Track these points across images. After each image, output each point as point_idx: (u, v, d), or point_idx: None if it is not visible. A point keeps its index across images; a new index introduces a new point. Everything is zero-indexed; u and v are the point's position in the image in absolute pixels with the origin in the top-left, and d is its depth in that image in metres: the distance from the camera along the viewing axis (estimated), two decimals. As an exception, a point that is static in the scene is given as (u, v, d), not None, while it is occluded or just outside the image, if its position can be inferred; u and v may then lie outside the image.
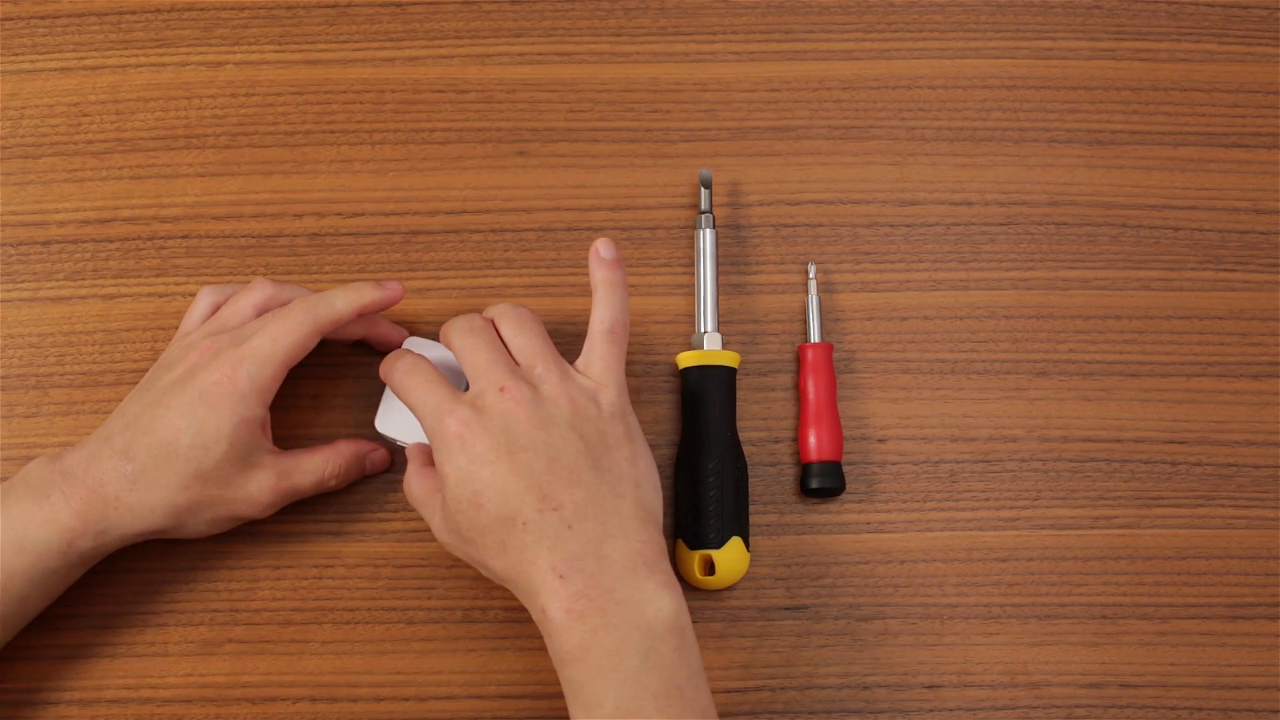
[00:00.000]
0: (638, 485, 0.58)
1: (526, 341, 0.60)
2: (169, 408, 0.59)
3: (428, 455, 0.63)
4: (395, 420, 0.65)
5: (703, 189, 0.68)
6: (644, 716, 0.54)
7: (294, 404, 0.66)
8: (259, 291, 0.63)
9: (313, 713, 0.64)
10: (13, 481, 0.60)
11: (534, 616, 0.57)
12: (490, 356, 0.59)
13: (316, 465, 0.63)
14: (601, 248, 0.62)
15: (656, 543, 0.57)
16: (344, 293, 0.62)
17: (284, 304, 0.63)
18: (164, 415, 0.59)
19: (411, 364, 0.60)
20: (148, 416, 0.60)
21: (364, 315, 0.63)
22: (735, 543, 0.64)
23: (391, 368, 0.61)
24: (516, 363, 0.59)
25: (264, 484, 0.61)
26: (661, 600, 0.55)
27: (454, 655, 0.65)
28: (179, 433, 0.59)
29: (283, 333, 0.60)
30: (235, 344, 0.60)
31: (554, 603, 0.55)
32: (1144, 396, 0.69)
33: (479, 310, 0.64)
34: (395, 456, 0.66)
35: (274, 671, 0.65)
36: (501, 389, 0.57)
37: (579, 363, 0.60)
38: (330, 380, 0.67)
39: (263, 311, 0.63)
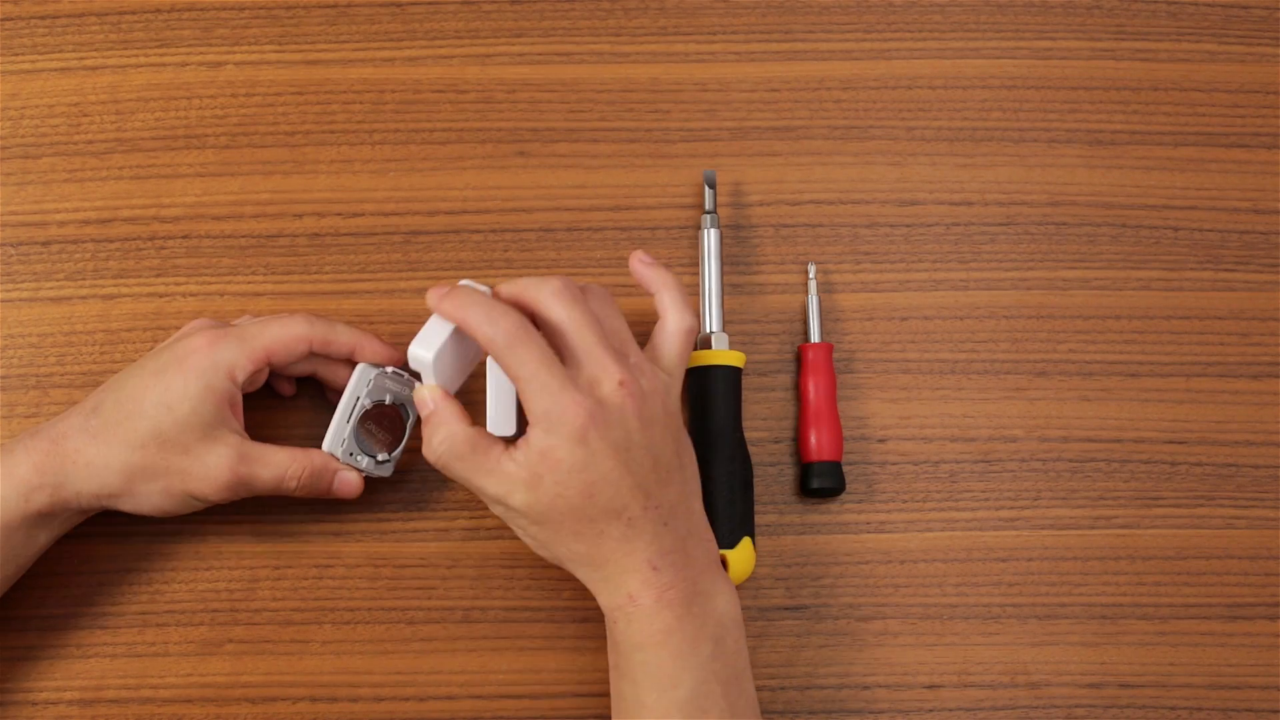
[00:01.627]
0: (699, 482, 0.61)
1: (618, 326, 0.60)
2: (144, 369, 0.60)
3: (458, 407, 0.60)
4: (436, 358, 0.60)
5: (707, 189, 0.68)
6: (712, 699, 0.57)
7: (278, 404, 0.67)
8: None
9: (313, 713, 0.64)
10: None
11: (608, 601, 0.59)
12: (600, 339, 0.58)
13: (281, 461, 0.61)
14: (643, 256, 0.63)
15: (715, 548, 0.61)
16: (349, 330, 0.63)
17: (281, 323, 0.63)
18: (137, 375, 0.60)
19: (524, 332, 0.57)
20: (122, 377, 0.61)
21: (356, 357, 0.63)
22: (745, 543, 0.64)
23: (497, 327, 0.57)
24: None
25: (222, 461, 0.60)
26: (729, 594, 0.59)
27: (454, 655, 0.65)
28: (146, 390, 0.59)
29: (275, 325, 0.61)
30: (231, 331, 0.61)
31: (646, 591, 0.57)
32: (1144, 396, 0.69)
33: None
34: (366, 483, 0.65)
35: (274, 671, 0.65)
36: (620, 383, 0.57)
37: (652, 350, 0.61)
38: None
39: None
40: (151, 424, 0.59)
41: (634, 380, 0.57)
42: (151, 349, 0.65)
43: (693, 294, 0.69)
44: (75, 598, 0.64)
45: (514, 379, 0.57)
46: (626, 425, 0.57)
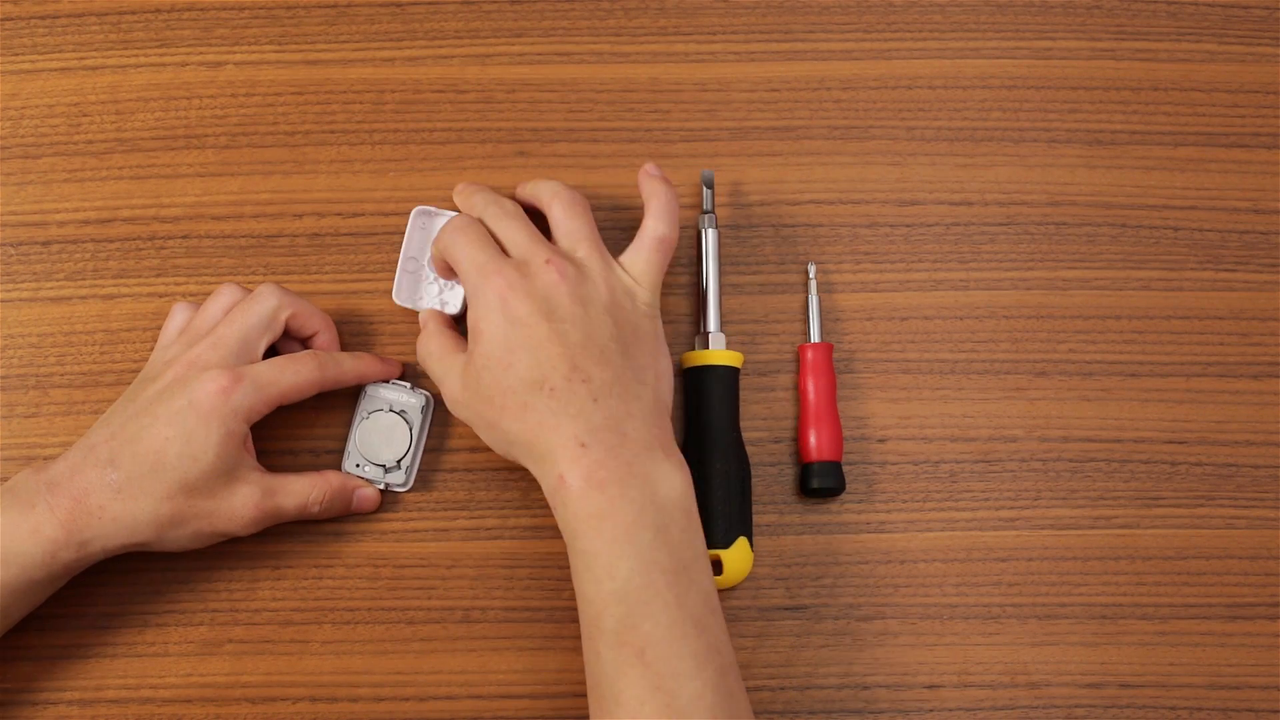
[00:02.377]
0: (658, 378, 0.61)
1: (576, 225, 0.63)
2: (156, 417, 0.59)
3: (444, 319, 0.65)
4: (408, 290, 0.67)
5: (705, 189, 0.68)
6: (654, 590, 0.55)
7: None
8: (226, 296, 0.65)
9: (313, 713, 0.64)
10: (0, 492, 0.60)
11: (546, 486, 0.58)
12: (531, 234, 0.62)
13: (302, 489, 0.63)
14: (651, 168, 0.64)
15: (669, 430, 0.60)
16: (353, 359, 0.65)
17: (250, 297, 0.63)
18: (150, 425, 0.59)
19: (464, 223, 0.63)
20: (134, 426, 0.60)
21: (362, 382, 0.66)
22: (741, 542, 0.64)
23: (451, 224, 0.63)
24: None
25: (248, 499, 0.61)
26: (674, 478, 0.57)
27: (454, 655, 0.65)
28: (166, 441, 0.59)
29: (289, 371, 0.62)
30: (222, 355, 0.61)
31: (574, 470, 0.56)
32: (1144, 396, 0.69)
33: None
34: (384, 495, 0.66)
35: (274, 671, 0.65)
36: (547, 261, 0.60)
37: (622, 258, 0.63)
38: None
39: (229, 311, 0.64)
40: (178, 475, 0.59)
41: (564, 261, 0.60)
42: (141, 372, 0.64)
43: (691, 294, 0.69)
44: (75, 598, 0.64)
45: (453, 264, 0.62)
46: (551, 298, 0.59)
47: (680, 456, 0.59)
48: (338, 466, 0.66)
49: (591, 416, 0.57)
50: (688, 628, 0.55)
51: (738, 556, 0.64)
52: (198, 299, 0.68)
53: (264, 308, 0.63)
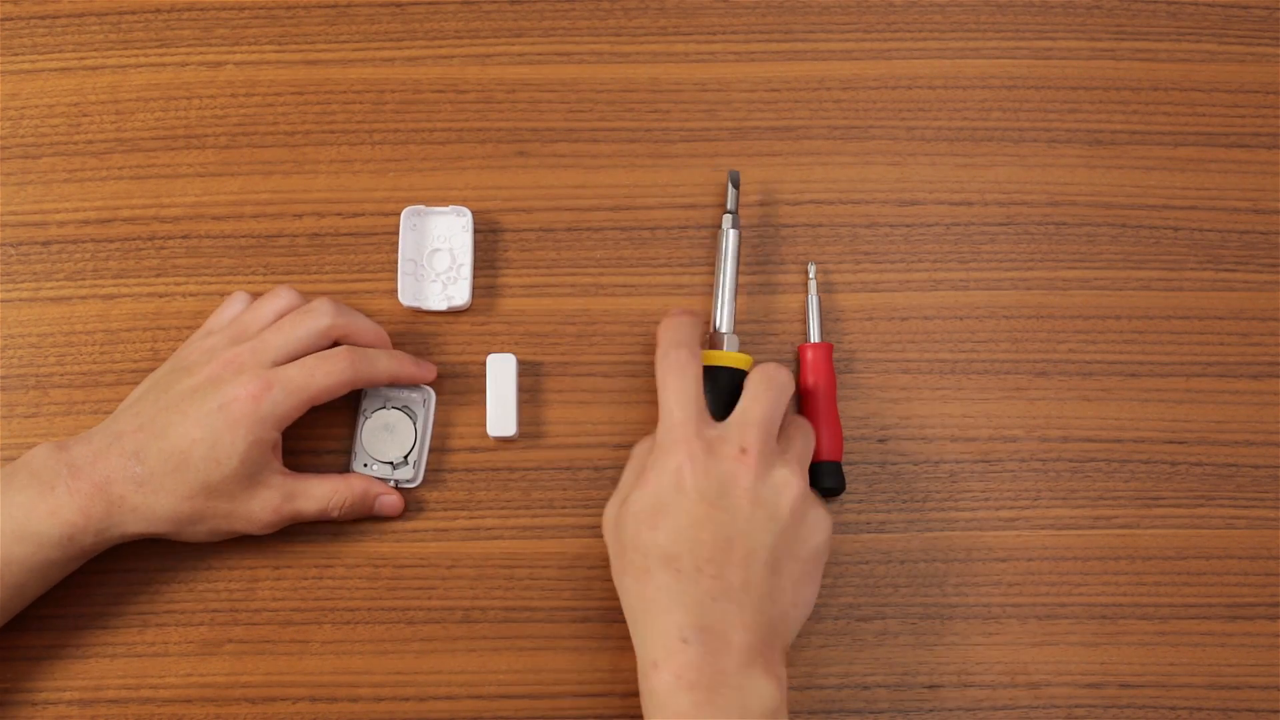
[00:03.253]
0: (794, 605, 0.58)
1: (803, 439, 0.61)
2: (185, 415, 0.59)
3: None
4: (411, 290, 0.67)
5: (730, 187, 0.68)
6: None
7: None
8: (282, 299, 0.64)
9: (313, 713, 0.64)
10: (16, 466, 0.60)
11: (641, 656, 0.57)
12: (765, 416, 0.59)
13: (324, 494, 0.63)
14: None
15: (777, 648, 0.57)
16: (388, 358, 0.63)
17: (306, 308, 0.63)
18: (180, 422, 0.59)
19: (686, 360, 0.60)
20: (163, 420, 0.59)
21: (394, 383, 0.64)
22: None
23: (664, 353, 0.61)
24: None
25: (268, 503, 0.61)
26: (766, 693, 0.55)
27: (454, 655, 0.65)
28: (193, 443, 0.59)
29: (320, 372, 0.61)
30: (261, 361, 0.61)
31: (669, 662, 0.55)
32: (1144, 396, 0.69)
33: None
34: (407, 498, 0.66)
35: (274, 671, 0.65)
36: (743, 450, 0.58)
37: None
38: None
39: (282, 316, 0.63)
40: (200, 477, 0.59)
41: (761, 458, 0.58)
42: (176, 355, 0.64)
43: (705, 294, 0.69)
44: (75, 598, 0.64)
45: (659, 390, 0.60)
46: (727, 488, 0.57)
47: (782, 670, 0.56)
48: (340, 461, 0.66)
49: (704, 614, 0.55)
50: None
51: None
52: (198, 299, 0.68)
53: (316, 325, 0.62)
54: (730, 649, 0.55)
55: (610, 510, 0.60)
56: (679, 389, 0.59)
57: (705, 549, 0.56)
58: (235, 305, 0.65)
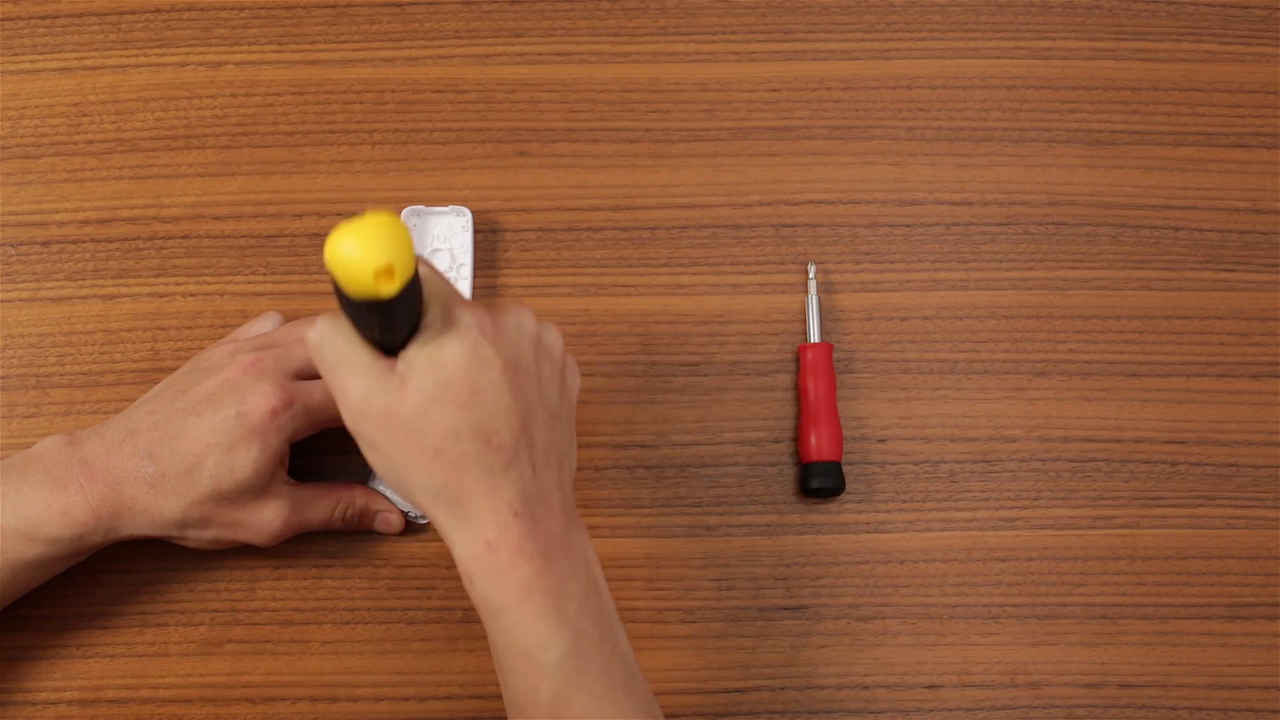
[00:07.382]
0: (573, 446, 0.57)
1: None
2: (202, 419, 0.59)
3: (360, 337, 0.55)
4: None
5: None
6: (585, 660, 0.53)
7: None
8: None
9: (313, 713, 0.64)
10: (27, 459, 0.59)
11: (466, 548, 0.53)
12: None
13: (328, 507, 0.63)
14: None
15: (572, 500, 0.56)
16: None
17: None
18: (195, 425, 0.59)
19: (432, 268, 0.54)
20: (179, 422, 0.59)
21: None
22: None
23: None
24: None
25: (276, 515, 0.61)
26: (589, 546, 0.55)
27: (454, 655, 0.65)
28: (208, 449, 0.58)
29: None
30: (284, 369, 0.60)
31: (505, 539, 0.52)
32: (1144, 396, 0.69)
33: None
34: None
35: (274, 671, 0.65)
36: (520, 303, 0.55)
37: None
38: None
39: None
40: (212, 483, 0.59)
41: (529, 314, 0.55)
42: (197, 357, 0.63)
43: (706, 293, 0.69)
44: (75, 598, 0.64)
45: (424, 288, 0.52)
46: (519, 346, 0.54)
47: (582, 521, 0.56)
48: (340, 462, 0.66)
49: (529, 485, 0.53)
50: (619, 693, 0.53)
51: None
52: (198, 299, 0.68)
53: None
54: (554, 512, 0.54)
55: (365, 400, 0.52)
56: (437, 274, 0.53)
57: (516, 419, 0.53)
58: (265, 323, 0.65)
